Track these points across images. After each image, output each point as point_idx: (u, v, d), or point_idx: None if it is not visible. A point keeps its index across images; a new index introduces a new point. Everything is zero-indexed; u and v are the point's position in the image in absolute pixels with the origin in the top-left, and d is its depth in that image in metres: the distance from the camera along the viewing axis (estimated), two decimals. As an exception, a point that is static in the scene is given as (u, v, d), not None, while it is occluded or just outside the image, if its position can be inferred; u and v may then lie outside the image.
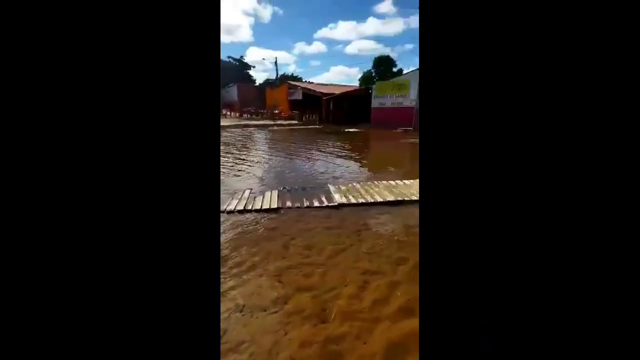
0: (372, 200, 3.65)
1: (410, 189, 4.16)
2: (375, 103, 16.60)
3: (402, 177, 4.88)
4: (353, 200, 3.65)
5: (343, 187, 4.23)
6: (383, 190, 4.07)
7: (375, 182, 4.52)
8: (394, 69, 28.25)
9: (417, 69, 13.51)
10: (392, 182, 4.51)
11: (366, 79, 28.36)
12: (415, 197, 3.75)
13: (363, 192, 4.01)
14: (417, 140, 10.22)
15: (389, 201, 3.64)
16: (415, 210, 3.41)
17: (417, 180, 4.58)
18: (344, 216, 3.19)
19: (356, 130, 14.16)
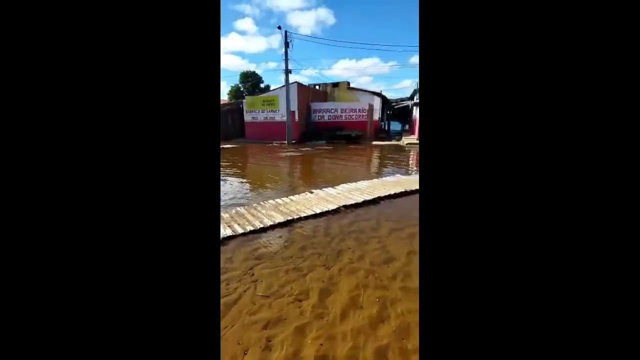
0: (262, 226, 3.31)
1: (297, 205, 4.09)
2: (248, 117, 16.25)
3: (288, 193, 4.79)
4: (240, 230, 3.19)
5: (226, 215, 3.67)
6: (271, 211, 3.80)
7: (262, 203, 4.20)
8: (262, 85, 28.86)
9: (284, 85, 14.22)
10: (279, 201, 4.32)
11: (235, 93, 27.67)
12: (304, 214, 3.69)
13: (250, 217, 3.61)
14: (295, 153, 10.65)
15: (279, 223, 3.41)
16: (308, 227, 3.33)
17: (303, 195, 4.61)
18: (230, 254, 2.70)
19: (233, 146, 13.33)
